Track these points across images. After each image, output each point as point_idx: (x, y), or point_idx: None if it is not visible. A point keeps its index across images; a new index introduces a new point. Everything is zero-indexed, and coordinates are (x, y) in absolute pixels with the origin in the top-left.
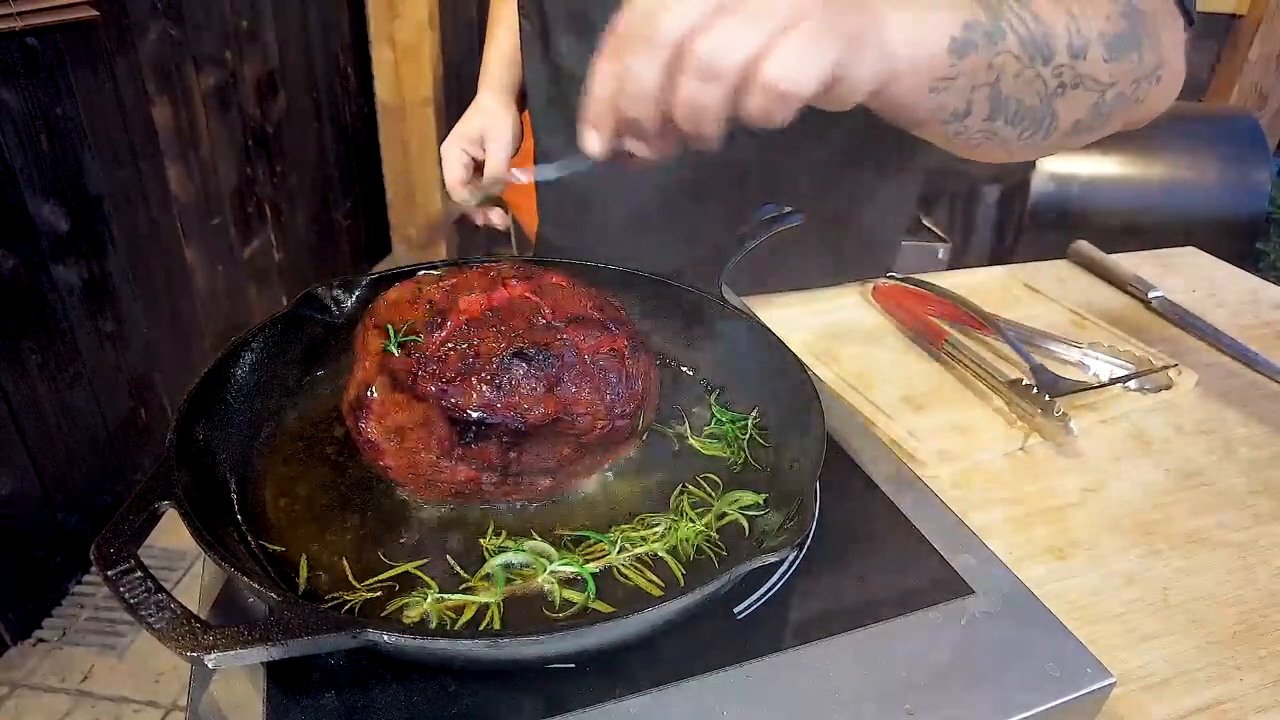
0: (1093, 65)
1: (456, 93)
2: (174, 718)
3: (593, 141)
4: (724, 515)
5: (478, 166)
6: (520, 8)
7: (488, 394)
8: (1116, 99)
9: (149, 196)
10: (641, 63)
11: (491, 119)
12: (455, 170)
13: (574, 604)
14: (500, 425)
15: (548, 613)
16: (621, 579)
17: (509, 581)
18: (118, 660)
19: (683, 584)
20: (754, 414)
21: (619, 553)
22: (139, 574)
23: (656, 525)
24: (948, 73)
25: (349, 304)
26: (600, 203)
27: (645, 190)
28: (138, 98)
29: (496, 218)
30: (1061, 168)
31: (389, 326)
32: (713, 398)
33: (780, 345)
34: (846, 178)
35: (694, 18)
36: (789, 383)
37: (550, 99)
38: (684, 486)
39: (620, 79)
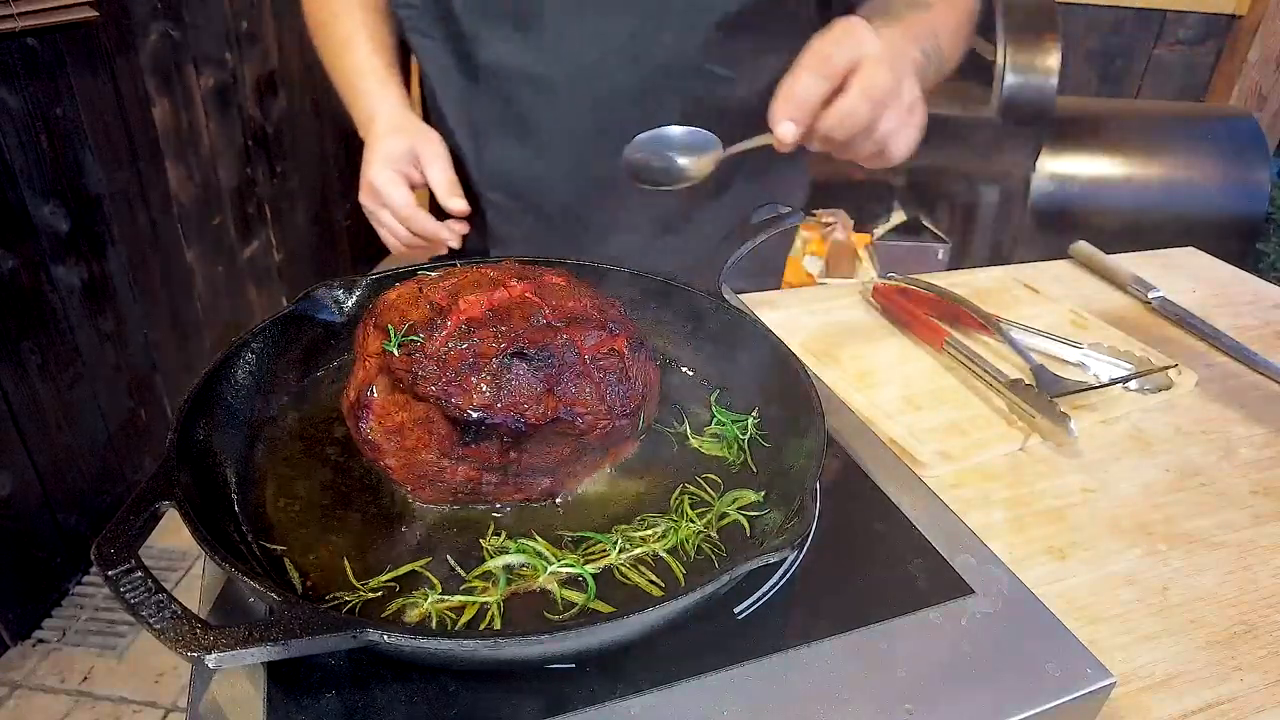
0: (954, 63)
1: None
2: (174, 718)
3: (787, 130)
4: (724, 515)
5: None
6: (411, 29)
7: (488, 394)
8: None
9: (149, 196)
10: (850, 108)
11: (419, 135)
12: (401, 195)
13: (574, 604)
14: (500, 425)
15: (548, 613)
16: (622, 579)
17: (509, 582)
18: (118, 660)
19: (683, 584)
20: (754, 414)
21: (619, 553)
22: (140, 574)
23: (657, 525)
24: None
25: (349, 304)
26: (611, 206)
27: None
28: (138, 98)
29: (461, 228)
30: (1061, 168)
31: (389, 327)
32: (713, 398)
33: (780, 345)
34: None
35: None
36: (789, 383)
37: (482, 110)
38: (684, 486)
39: (834, 106)
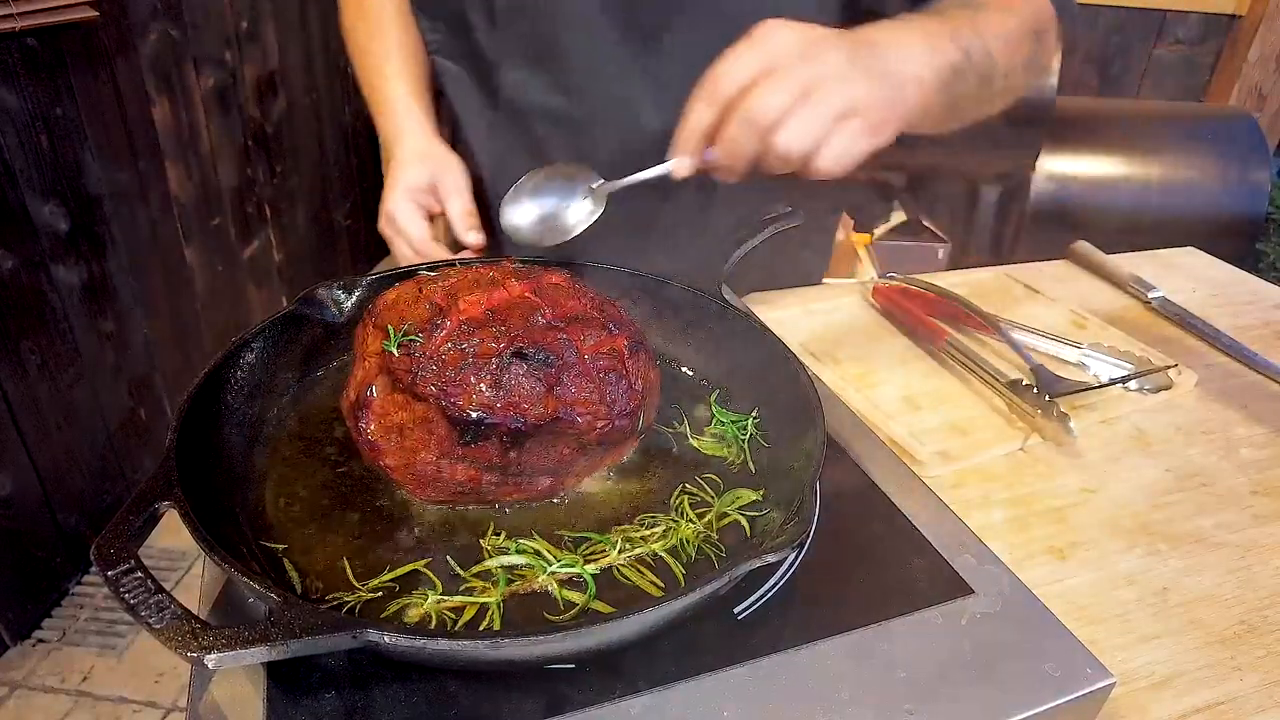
0: (1015, 80)
1: None
2: (174, 718)
3: (680, 164)
4: (724, 515)
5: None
6: (435, 51)
7: (487, 394)
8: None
9: (149, 196)
10: (730, 140)
11: (441, 165)
12: (418, 229)
13: (574, 604)
14: (500, 425)
15: (548, 613)
16: (622, 579)
17: (509, 582)
18: (118, 660)
19: (683, 584)
20: (754, 414)
21: (619, 553)
22: (139, 574)
23: (656, 525)
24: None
25: (349, 304)
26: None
27: (651, 195)
28: (138, 98)
29: (477, 239)
30: (1061, 168)
31: (389, 327)
32: (713, 398)
33: (780, 345)
34: None
35: (779, 102)
36: (789, 383)
37: (502, 138)
38: (684, 486)
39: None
